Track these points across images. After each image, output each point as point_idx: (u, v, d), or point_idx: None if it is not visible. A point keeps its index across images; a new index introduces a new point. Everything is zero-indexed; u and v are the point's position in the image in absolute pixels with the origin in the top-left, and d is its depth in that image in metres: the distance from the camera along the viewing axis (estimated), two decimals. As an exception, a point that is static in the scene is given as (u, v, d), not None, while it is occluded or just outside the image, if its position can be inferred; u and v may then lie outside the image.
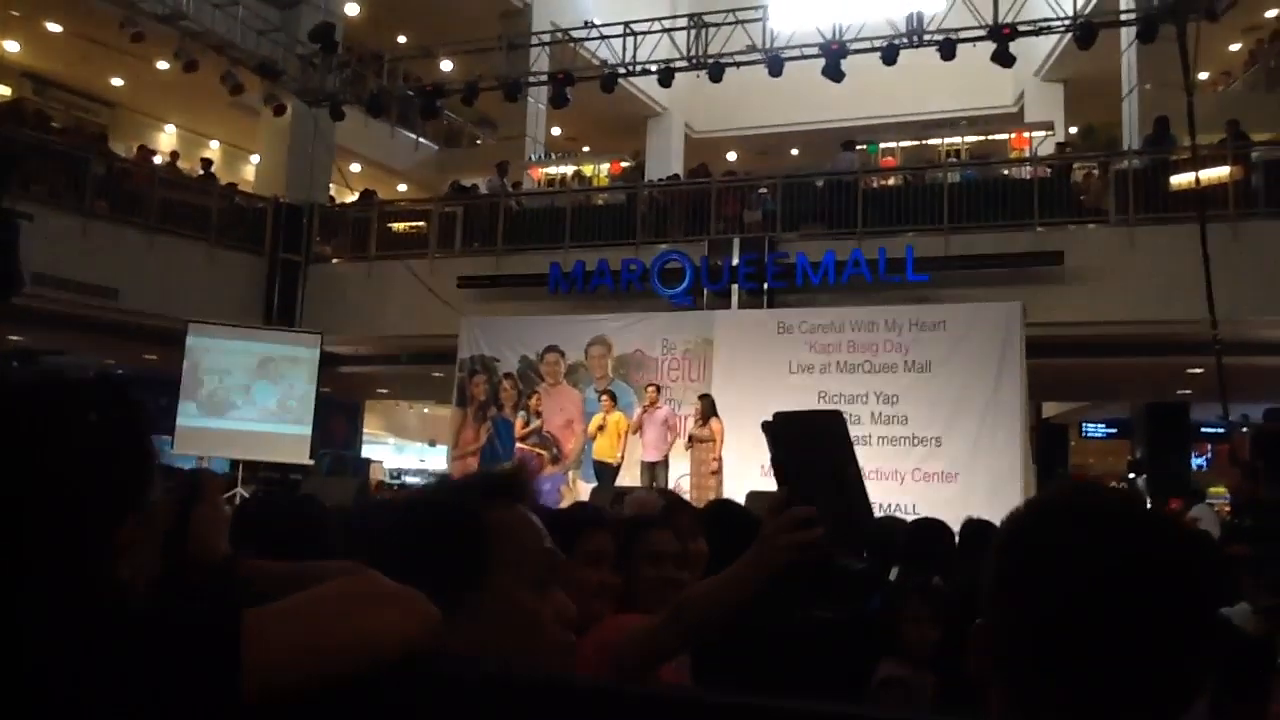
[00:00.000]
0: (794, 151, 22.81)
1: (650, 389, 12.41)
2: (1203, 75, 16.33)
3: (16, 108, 15.89)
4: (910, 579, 3.61)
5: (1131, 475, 19.89)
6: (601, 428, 12.33)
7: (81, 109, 18.97)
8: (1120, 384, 16.68)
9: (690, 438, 11.74)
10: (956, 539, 4.70)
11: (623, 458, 12.44)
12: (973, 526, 4.43)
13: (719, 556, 2.47)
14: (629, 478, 12.23)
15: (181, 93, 17.41)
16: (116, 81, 18.93)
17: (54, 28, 16.75)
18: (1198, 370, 13.77)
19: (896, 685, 3.10)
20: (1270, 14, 16.43)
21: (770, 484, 5.86)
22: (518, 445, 13.15)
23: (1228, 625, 2.99)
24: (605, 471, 12.16)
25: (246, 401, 14.14)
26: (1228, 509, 12.72)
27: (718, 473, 11.52)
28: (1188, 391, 16.24)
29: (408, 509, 1.44)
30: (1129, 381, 16.14)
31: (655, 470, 12.02)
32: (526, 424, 13.29)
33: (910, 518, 10.90)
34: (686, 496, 11.73)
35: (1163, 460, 18.07)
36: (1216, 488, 17.01)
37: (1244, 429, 11.12)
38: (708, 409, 11.66)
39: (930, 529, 4.71)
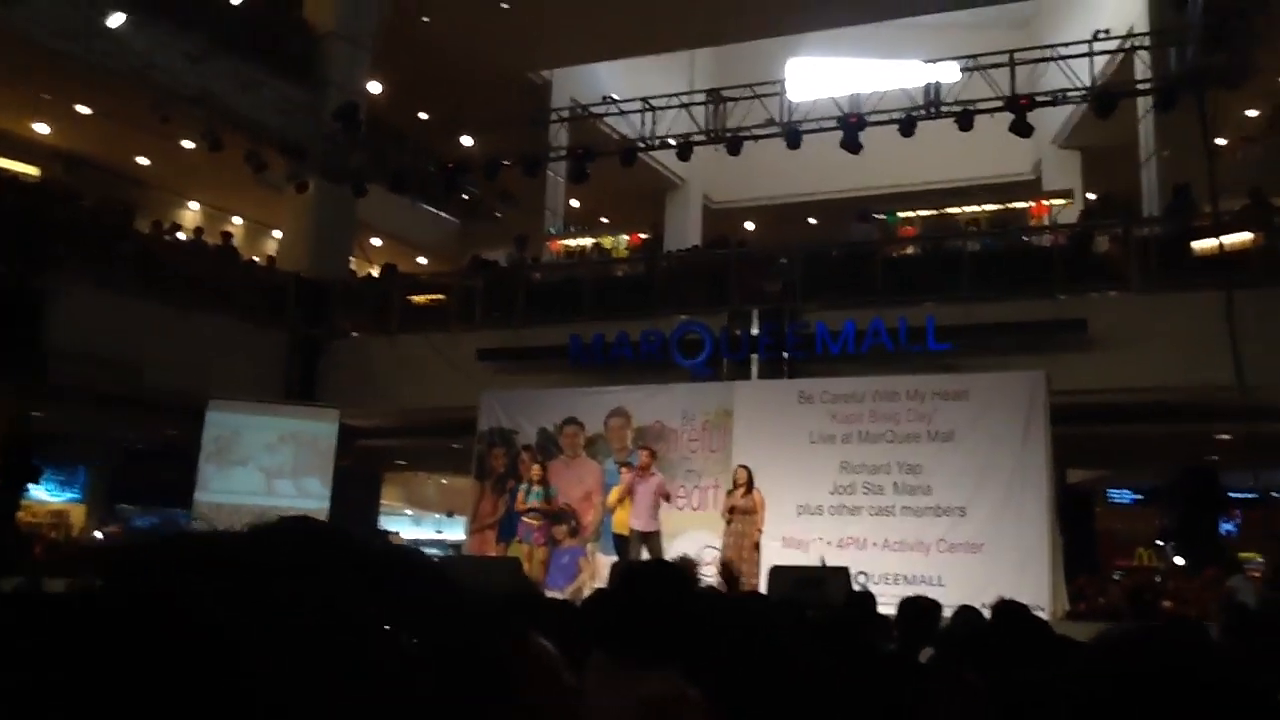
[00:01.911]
0: (812, 220, 22.90)
1: (644, 452, 12.11)
2: (1221, 141, 16.34)
3: (46, 186, 16.13)
4: (941, 669, 3.51)
5: (1160, 541, 19.61)
6: (621, 500, 12.15)
7: (109, 186, 19.24)
8: (1147, 450, 16.48)
9: (731, 509, 11.38)
10: (986, 616, 4.59)
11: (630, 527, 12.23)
12: (1007, 609, 4.31)
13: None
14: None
15: (206, 170, 17.66)
16: (143, 160, 19.23)
17: (84, 110, 17.06)
18: (1225, 436, 13.62)
19: None
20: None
21: (794, 558, 5.80)
22: (522, 519, 12.97)
23: None
24: (625, 544, 12.01)
25: (264, 477, 14.12)
26: (1255, 574, 12.52)
27: (758, 546, 11.30)
28: (1215, 457, 16.03)
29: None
30: (1156, 447, 15.95)
31: (648, 541, 11.66)
32: (527, 494, 13.12)
33: (936, 589, 10.84)
34: (713, 569, 11.60)
35: (1192, 526, 17.79)
36: (1246, 554, 16.72)
37: (1275, 494, 10.97)
38: (749, 479, 11.31)
39: (920, 608, 4.63)
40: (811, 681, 2.47)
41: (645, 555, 11.30)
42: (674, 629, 2.47)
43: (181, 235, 17.04)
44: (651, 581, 2.64)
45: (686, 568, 10.58)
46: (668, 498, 11.96)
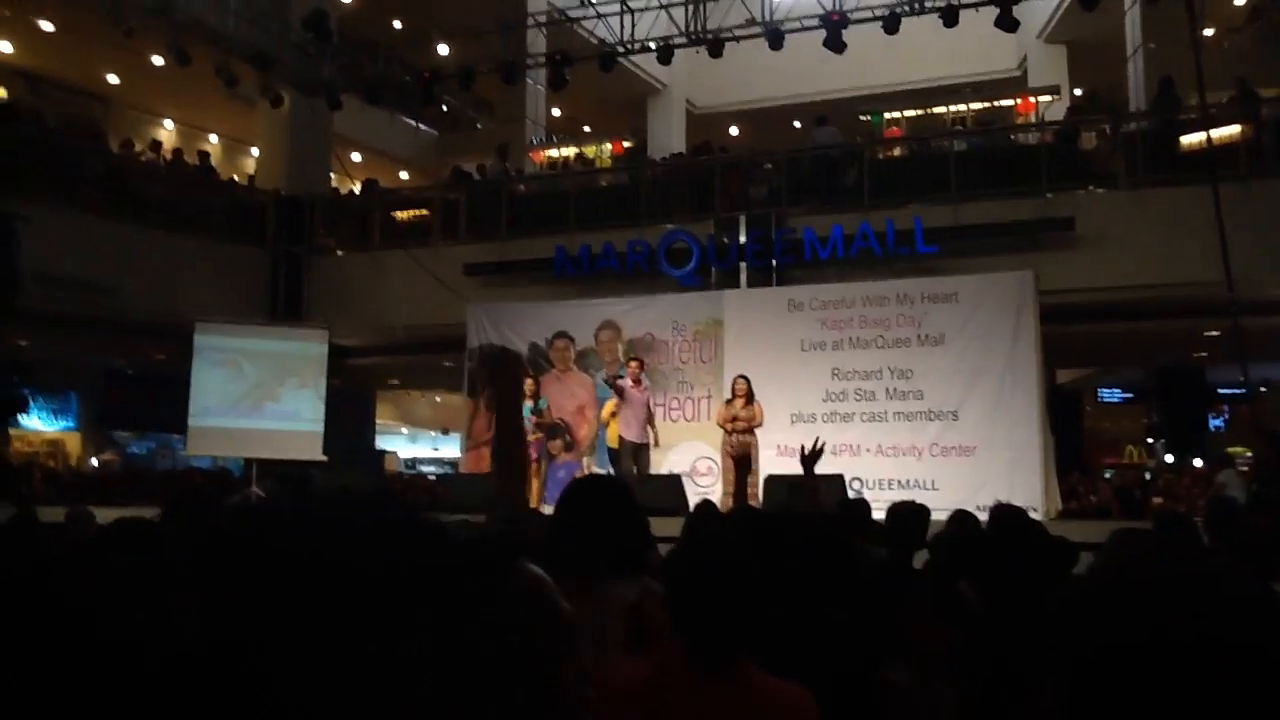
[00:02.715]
0: (797, 124, 22.59)
1: (634, 363, 11.89)
2: (1207, 32, 16.09)
3: (11, 107, 15.77)
4: (936, 581, 3.51)
5: (1150, 439, 19.83)
6: (615, 414, 12.12)
7: (77, 106, 18.84)
8: (1135, 348, 16.57)
9: (734, 418, 11.22)
10: (983, 521, 4.61)
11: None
12: (1004, 514, 4.32)
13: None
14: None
15: (177, 87, 17.31)
16: (112, 78, 18.81)
17: (46, 25, 16.62)
18: (1213, 333, 13.67)
19: (893, 694, 2.86)
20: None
21: (787, 467, 5.79)
22: (529, 437, 12.91)
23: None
24: (619, 457, 12.05)
25: (257, 399, 14.09)
26: (1244, 468, 12.68)
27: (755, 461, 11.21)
28: (1203, 354, 16.13)
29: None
30: (1143, 345, 16.03)
31: (639, 453, 11.53)
32: (537, 414, 13.09)
33: (930, 494, 10.95)
34: (714, 478, 11.64)
35: (1180, 423, 17.98)
36: (1235, 448, 16.94)
37: (1262, 389, 11.04)
38: (748, 389, 11.00)
39: (907, 514, 4.66)
40: (786, 591, 2.48)
41: (635, 468, 11.35)
42: (620, 546, 2.51)
43: (153, 154, 16.69)
44: (591, 500, 2.65)
45: (666, 484, 10.63)
46: (650, 418, 11.80)
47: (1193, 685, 0.83)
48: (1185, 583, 0.90)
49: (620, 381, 11.76)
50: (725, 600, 2.01)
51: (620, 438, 11.68)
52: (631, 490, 2.81)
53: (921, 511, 4.78)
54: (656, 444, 11.82)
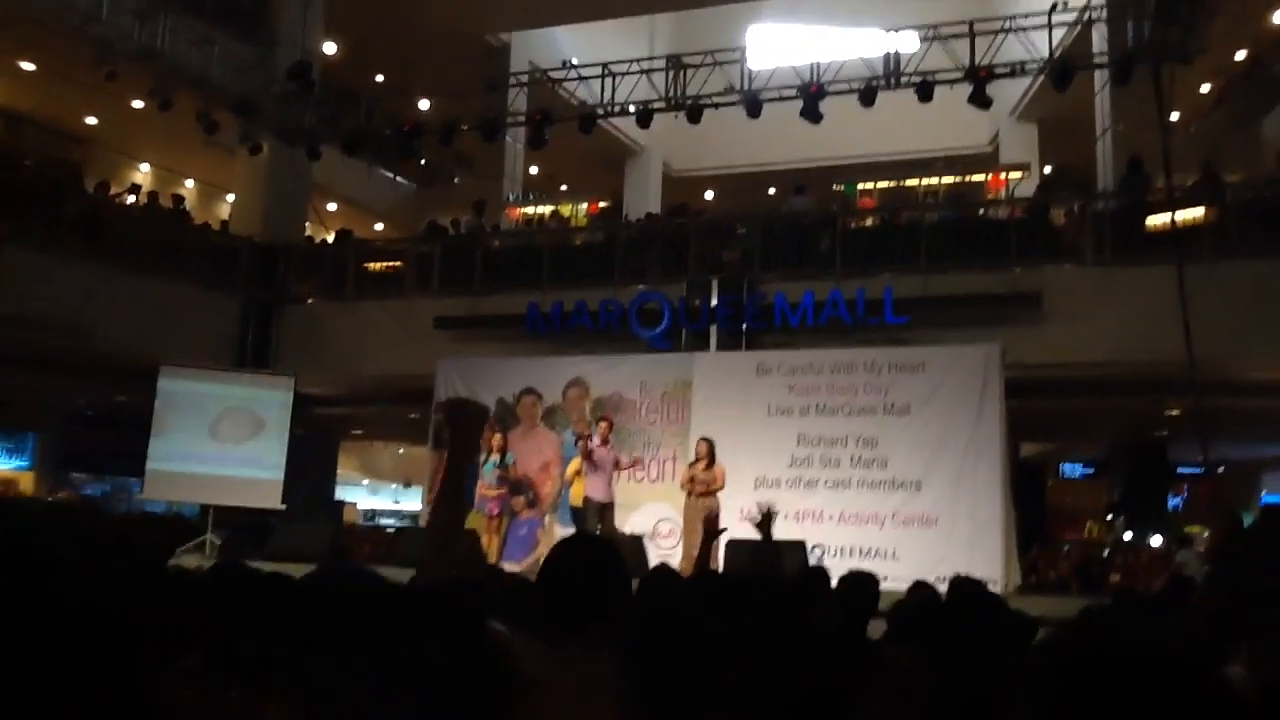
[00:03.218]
0: (771, 190, 22.87)
1: (603, 423, 11.74)
2: (1174, 116, 16.48)
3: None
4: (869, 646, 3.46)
5: (1110, 516, 19.92)
6: (579, 472, 12.02)
7: (56, 147, 18.79)
8: (1098, 424, 16.71)
9: (691, 479, 11.14)
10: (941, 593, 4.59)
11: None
12: (962, 586, 4.31)
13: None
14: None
15: (157, 131, 17.30)
16: (91, 120, 18.81)
17: (27, 66, 16.62)
18: (1175, 411, 13.81)
19: None
20: (1239, 55, 16.62)
21: (751, 531, 5.71)
22: (478, 489, 12.61)
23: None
24: (583, 516, 11.94)
25: (218, 445, 13.94)
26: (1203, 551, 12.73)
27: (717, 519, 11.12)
28: (1164, 432, 16.27)
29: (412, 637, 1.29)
30: (1107, 421, 16.18)
31: (604, 513, 11.30)
32: (484, 464, 12.85)
33: (891, 563, 10.93)
34: (676, 540, 11.56)
35: (1140, 500, 18.08)
36: (1193, 527, 17.03)
37: (1220, 469, 11.13)
38: (712, 452, 10.97)
39: (859, 583, 4.63)
40: (731, 657, 2.45)
41: (600, 526, 11.23)
42: (595, 609, 2.47)
43: (131, 198, 16.64)
44: (574, 562, 2.62)
45: (627, 545, 10.57)
46: (618, 466, 11.65)
47: None
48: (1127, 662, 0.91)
49: (590, 444, 11.60)
50: (681, 668, 1.98)
51: (585, 497, 11.53)
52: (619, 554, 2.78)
53: (872, 581, 4.75)
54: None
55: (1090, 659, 0.91)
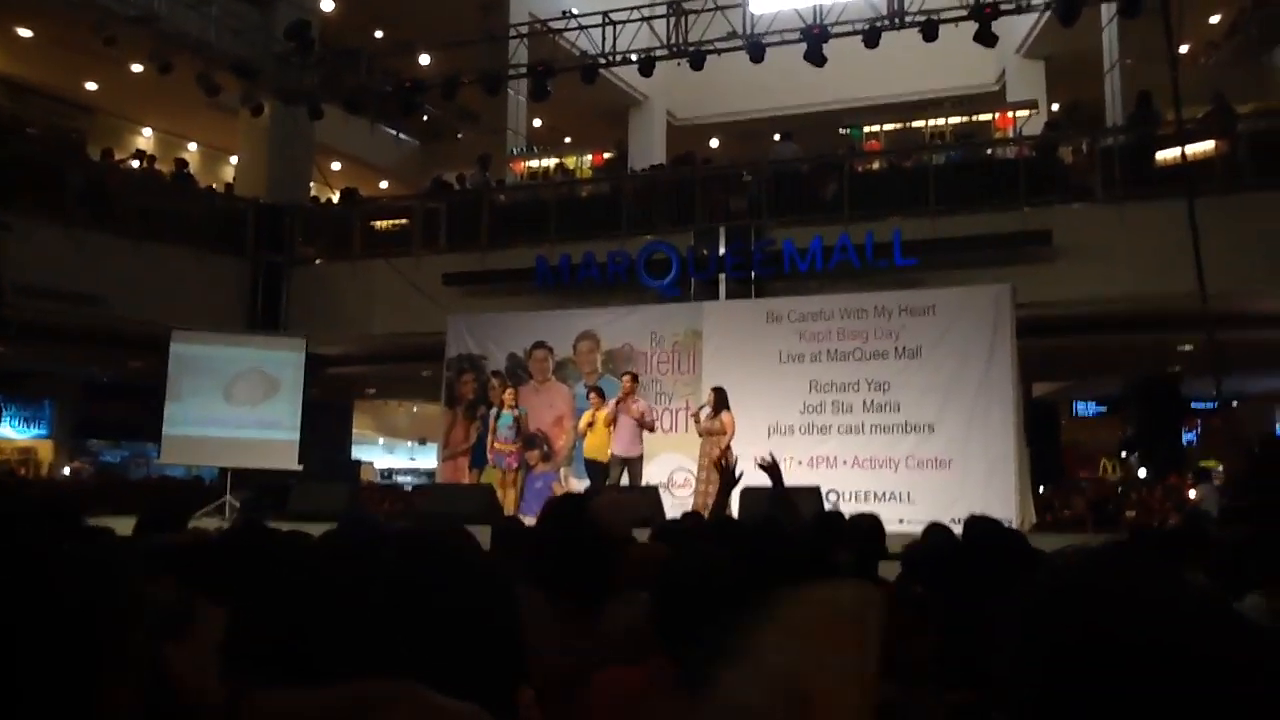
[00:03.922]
0: (777, 137, 22.70)
1: (626, 379, 11.92)
2: (1184, 48, 16.27)
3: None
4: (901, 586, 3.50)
5: (1124, 453, 19.93)
6: (591, 424, 12.09)
7: (58, 114, 18.74)
8: (1111, 361, 16.67)
9: (700, 429, 11.36)
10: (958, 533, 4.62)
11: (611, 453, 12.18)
12: (979, 526, 4.33)
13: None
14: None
15: (158, 95, 17.23)
16: (91, 86, 18.72)
17: (25, 33, 16.53)
18: (1187, 346, 13.77)
19: (888, 713, 2.84)
20: (1250, -16, 16.37)
21: (763, 479, 5.71)
22: (494, 445, 12.81)
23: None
24: (597, 469, 11.99)
25: (233, 408, 14.01)
26: (1218, 481, 12.76)
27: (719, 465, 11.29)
28: (1178, 367, 16.23)
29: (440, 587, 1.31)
30: (1120, 359, 16.13)
31: (629, 466, 11.54)
32: (498, 419, 13.01)
33: (906, 506, 11.00)
34: (691, 489, 11.67)
35: (1155, 436, 18.08)
36: (1208, 462, 17.03)
37: (1234, 403, 11.11)
38: (720, 401, 11.16)
39: (864, 527, 4.65)
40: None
41: (625, 480, 11.36)
42: (603, 568, 2.52)
43: (136, 163, 16.60)
44: (569, 523, 2.65)
45: (644, 495, 10.65)
46: (643, 423, 11.76)
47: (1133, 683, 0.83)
48: (1117, 586, 0.90)
49: (596, 396, 11.77)
50: (709, 616, 2.02)
51: (611, 453, 11.64)
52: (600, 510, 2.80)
53: (876, 522, 4.77)
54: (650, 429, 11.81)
55: (1093, 593, 0.89)
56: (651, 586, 2.29)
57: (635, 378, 11.94)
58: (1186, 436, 20.17)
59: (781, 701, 1.85)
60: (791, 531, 4.90)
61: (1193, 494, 11.78)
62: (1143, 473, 17.53)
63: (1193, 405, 19.83)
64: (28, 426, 20.53)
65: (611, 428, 11.60)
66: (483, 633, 1.18)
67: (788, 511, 5.85)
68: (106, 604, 0.97)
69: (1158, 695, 0.82)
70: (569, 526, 2.62)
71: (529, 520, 7.55)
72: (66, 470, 20.14)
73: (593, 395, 12.16)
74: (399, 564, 1.30)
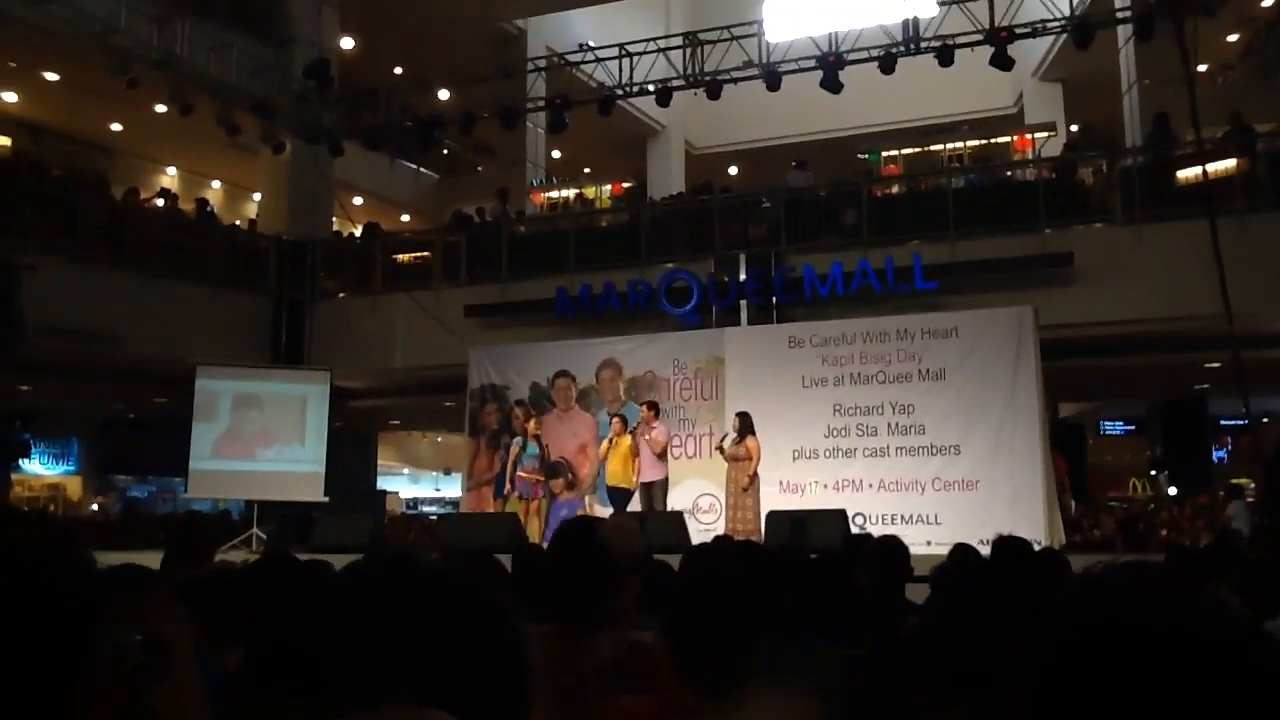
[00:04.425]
0: (793, 164, 22.78)
1: (644, 408, 12.15)
2: (1201, 68, 16.26)
3: (14, 159, 15.91)
4: (940, 605, 3.48)
5: (1153, 472, 19.76)
6: (611, 448, 12.16)
7: (81, 156, 18.99)
8: (1136, 381, 16.56)
9: (725, 455, 11.56)
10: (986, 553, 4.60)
11: (637, 481, 12.27)
12: (1005, 545, 4.31)
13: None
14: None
15: (180, 135, 17.42)
16: (115, 127, 18.97)
17: (51, 77, 16.78)
18: (1214, 364, 13.66)
19: None
20: (1266, 2, 16.35)
21: (791, 502, 5.77)
22: (518, 474, 12.97)
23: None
24: (619, 496, 12.04)
25: (259, 441, 14.08)
26: (1253, 501, 12.64)
27: (749, 490, 11.37)
28: (1204, 385, 16.11)
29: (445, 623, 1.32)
30: (1144, 378, 16.02)
31: (653, 491, 11.79)
32: (522, 449, 13.11)
33: (933, 528, 10.94)
34: (716, 516, 11.73)
35: (1183, 455, 17.93)
36: (1239, 479, 16.88)
37: (1264, 420, 11.02)
38: (745, 426, 11.40)
39: (887, 549, 4.63)
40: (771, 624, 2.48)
41: (652, 505, 11.47)
42: (604, 592, 2.51)
43: (160, 201, 16.80)
44: (574, 547, 2.65)
45: (668, 521, 10.68)
46: (660, 451, 11.94)
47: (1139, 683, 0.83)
48: (1126, 586, 0.90)
49: (619, 422, 11.97)
50: (734, 636, 2.01)
51: (640, 482, 11.90)
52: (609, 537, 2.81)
53: (900, 545, 4.75)
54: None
55: (1110, 612, 0.87)
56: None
57: (654, 406, 12.06)
58: (1216, 454, 19.99)
59: None
60: (815, 555, 4.90)
61: (1227, 512, 11.65)
62: (1172, 491, 17.38)
63: (1221, 423, 19.67)
64: (56, 463, 20.72)
65: (635, 458, 11.76)
66: (492, 662, 1.19)
67: (815, 534, 5.83)
68: (78, 627, 0.95)
69: (1168, 696, 0.82)
70: (575, 548, 2.62)
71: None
72: (94, 506, 20.29)
73: (615, 421, 12.24)
74: (413, 596, 1.32)
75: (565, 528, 2.80)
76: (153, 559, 4.15)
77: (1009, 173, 15.01)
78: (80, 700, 0.94)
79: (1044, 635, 0.89)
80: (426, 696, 1.15)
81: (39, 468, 20.18)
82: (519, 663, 1.22)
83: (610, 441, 12.12)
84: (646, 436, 11.88)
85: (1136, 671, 0.82)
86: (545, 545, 10.26)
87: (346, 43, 18.59)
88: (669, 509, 11.81)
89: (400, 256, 16.94)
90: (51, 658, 0.92)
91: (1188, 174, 12.35)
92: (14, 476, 16.14)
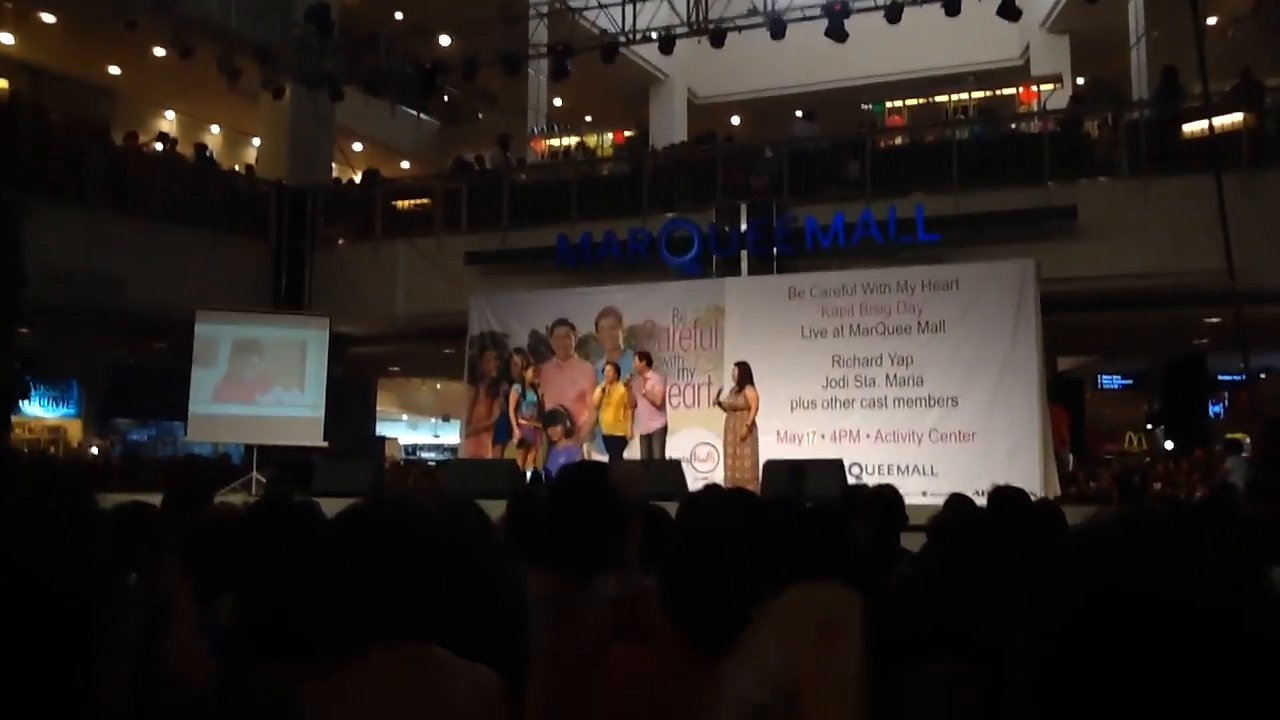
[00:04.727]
0: (798, 114, 22.60)
1: (637, 360, 12.16)
2: (1210, 21, 16.07)
3: (14, 102, 15.77)
4: (934, 555, 3.51)
5: (1150, 426, 19.83)
6: (604, 396, 12.19)
7: (80, 99, 18.83)
8: (1136, 336, 16.57)
9: (724, 405, 11.62)
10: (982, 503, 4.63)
11: (632, 429, 12.30)
12: (1003, 495, 4.33)
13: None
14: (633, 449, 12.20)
15: (180, 79, 17.29)
16: (114, 70, 18.81)
17: (48, 18, 16.61)
18: (1213, 320, 13.66)
19: (939, 680, 2.82)
20: (1279, -45, 16.13)
21: (788, 451, 5.82)
22: (518, 421, 13.04)
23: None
24: (615, 444, 12.08)
25: (258, 386, 14.12)
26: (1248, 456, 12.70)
27: (748, 439, 11.42)
28: (1204, 341, 16.11)
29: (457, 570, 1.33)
30: (1144, 333, 16.03)
31: (652, 441, 11.87)
32: (521, 397, 13.15)
33: (929, 479, 11.01)
34: (713, 465, 11.80)
35: (1180, 410, 17.98)
36: (1236, 434, 16.95)
37: (1262, 375, 11.03)
38: (744, 376, 11.43)
39: (883, 500, 4.63)
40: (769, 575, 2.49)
41: (652, 454, 11.53)
42: (608, 538, 2.51)
43: (159, 146, 16.69)
44: (584, 491, 2.64)
45: (666, 469, 10.77)
46: (655, 400, 11.99)
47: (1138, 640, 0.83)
48: (1129, 544, 0.90)
49: (611, 369, 12.05)
50: (729, 587, 2.02)
51: (640, 434, 11.99)
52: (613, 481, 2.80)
53: (895, 495, 4.77)
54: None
55: (1112, 564, 0.88)
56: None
57: (645, 356, 12.09)
58: (1213, 409, 20.05)
59: (781, 700, 1.88)
60: (810, 504, 4.92)
61: (1225, 465, 11.70)
62: (1169, 446, 17.45)
63: (1219, 378, 19.70)
64: (56, 406, 20.79)
65: (633, 409, 11.82)
66: (486, 606, 1.21)
67: (812, 484, 5.85)
68: (95, 595, 0.95)
69: (1178, 656, 0.82)
70: (584, 492, 2.61)
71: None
72: (94, 449, 20.38)
73: (608, 369, 12.27)
74: (405, 540, 1.33)
75: (571, 471, 2.79)
76: (152, 501, 4.18)
77: (1014, 125, 14.90)
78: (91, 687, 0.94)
79: (1055, 598, 0.89)
80: (423, 637, 1.17)
81: (39, 410, 20.25)
82: (514, 608, 1.23)
83: (603, 390, 12.12)
84: (643, 390, 11.91)
85: (1149, 635, 0.82)
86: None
87: (347, -14, 18.37)
88: (667, 457, 11.87)
89: (401, 203, 16.87)
90: (60, 653, 0.92)
91: (1194, 129, 12.25)
92: (14, 419, 16.21)
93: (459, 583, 1.23)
